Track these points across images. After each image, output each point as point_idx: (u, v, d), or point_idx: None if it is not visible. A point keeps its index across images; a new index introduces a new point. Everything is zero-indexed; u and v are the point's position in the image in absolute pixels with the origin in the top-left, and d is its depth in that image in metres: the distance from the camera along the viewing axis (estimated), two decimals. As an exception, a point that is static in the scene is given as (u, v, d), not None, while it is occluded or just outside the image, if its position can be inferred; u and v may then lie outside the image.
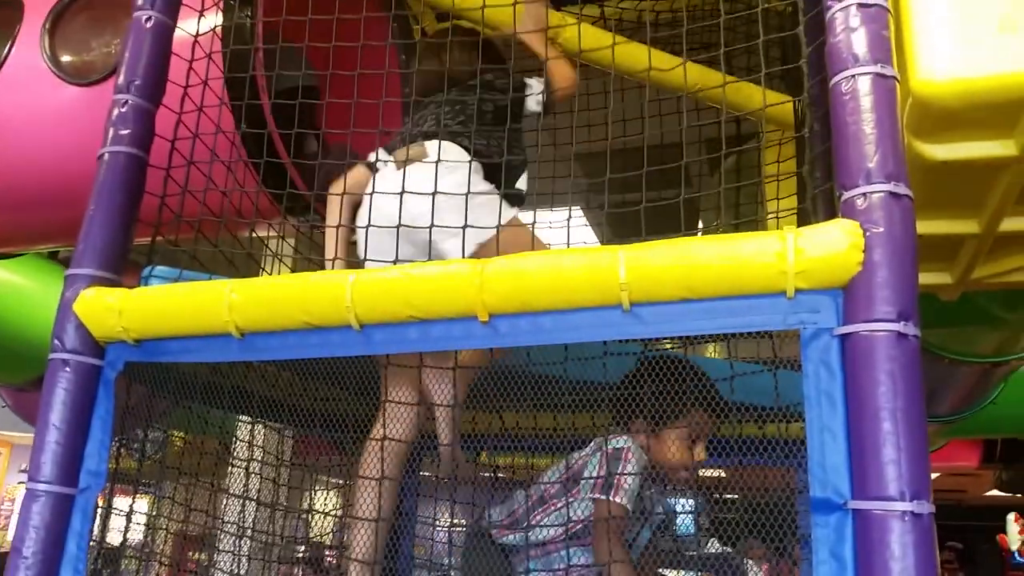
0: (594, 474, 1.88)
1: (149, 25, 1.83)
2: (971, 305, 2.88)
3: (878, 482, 1.13)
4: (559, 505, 1.97)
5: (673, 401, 1.73)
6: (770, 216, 2.62)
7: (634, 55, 2.27)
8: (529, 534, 1.94)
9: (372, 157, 2.06)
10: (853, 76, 1.29)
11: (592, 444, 1.98)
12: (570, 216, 1.81)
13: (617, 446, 1.90)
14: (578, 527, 1.91)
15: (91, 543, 1.65)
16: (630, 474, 1.85)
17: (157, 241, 1.90)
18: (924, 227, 1.96)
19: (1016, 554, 10.57)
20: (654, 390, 1.76)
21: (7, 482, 12.40)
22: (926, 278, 2.20)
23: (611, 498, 1.84)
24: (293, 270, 2.37)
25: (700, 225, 3.49)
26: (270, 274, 2.31)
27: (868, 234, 1.20)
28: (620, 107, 2.54)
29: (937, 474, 9.15)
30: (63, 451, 1.61)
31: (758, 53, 1.65)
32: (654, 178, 1.66)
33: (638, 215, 1.59)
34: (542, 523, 1.96)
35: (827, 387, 1.20)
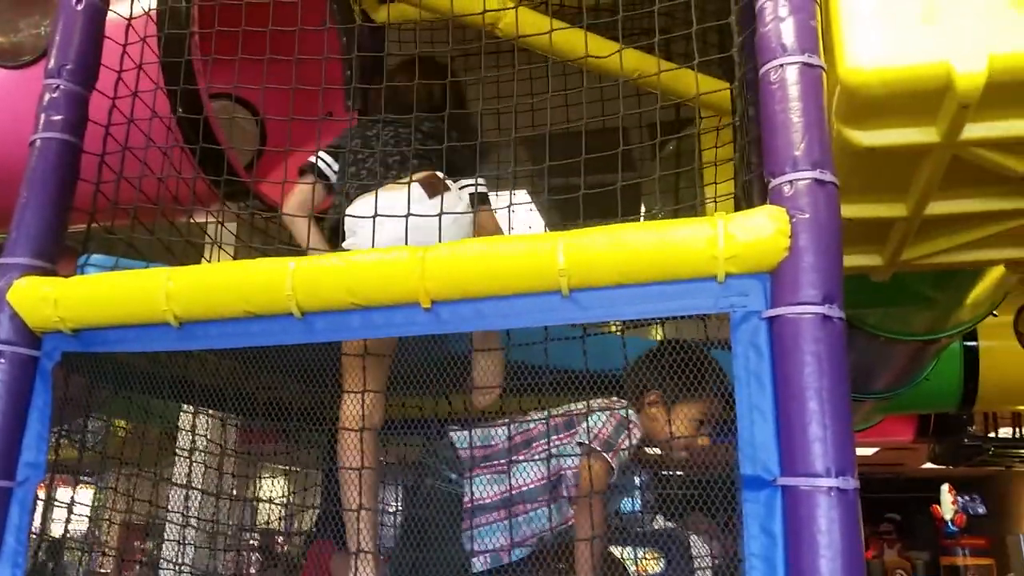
0: (598, 425, 1.92)
1: (80, 7, 1.79)
2: (903, 285, 2.97)
3: (805, 459, 1.17)
4: (542, 447, 1.97)
5: (698, 383, 1.85)
6: (708, 201, 2.68)
7: (573, 41, 2.28)
8: (506, 474, 1.95)
9: (317, 160, 2.11)
10: (781, 65, 1.32)
11: (593, 403, 2.00)
12: (511, 203, 1.83)
13: (629, 416, 1.95)
14: (555, 477, 1.95)
15: (31, 536, 1.63)
16: (625, 450, 1.92)
17: (93, 228, 1.87)
18: (854, 211, 2.03)
19: (949, 523, 10.95)
20: (682, 369, 1.86)
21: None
22: (858, 260, 2.27)
23: (608, 456, 1.89)
24: (235, 257, 2.35)
25: (643, 209, 3.54)
26: (209, 261, 2.29)
27: (794, 220, 1.24)
28: (563, 91, 2.56)
29: (876, 449, 9.44)
30: (0, 443, 1.58)
31: (696, 39, 1.69)
32: (597, 162, 1.69)
33: (583, 199, 1.62)
34: (520, 463, 1.96)
35: (756, 368, 1.24)
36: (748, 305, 1.26)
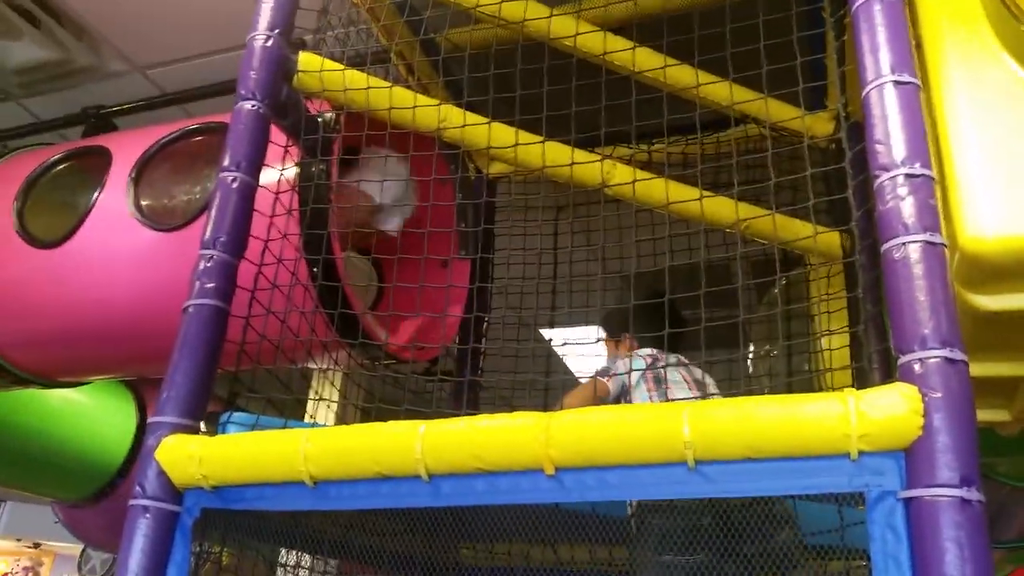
0: None
1: (235, 186, 1.97)
2: (1031, 435, 2.84)
3: (952, 656, 1.13)
4: None
5: None
6: (822, 351, 2.66)
7: (684, 196, 2.36)
8: None
9: None
10: (903, 244, 1.34)
11: None
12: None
13: None
14: None
15: None
16: None
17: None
18: (979, 370, 1.97)
19: None
20: None
21: (48, 593, 12.37)
22: (984, 415, 2.20)
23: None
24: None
25: (752, 349, 3.52)
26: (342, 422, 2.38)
27: (926, 399, 1.24)
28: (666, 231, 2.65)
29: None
30: (140, 599, 1.65)
31: (802, 188, 1.74)
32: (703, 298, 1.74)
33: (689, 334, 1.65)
34: None
35: (894, 551, 1.21)
36: (884, 484, 1.24)
